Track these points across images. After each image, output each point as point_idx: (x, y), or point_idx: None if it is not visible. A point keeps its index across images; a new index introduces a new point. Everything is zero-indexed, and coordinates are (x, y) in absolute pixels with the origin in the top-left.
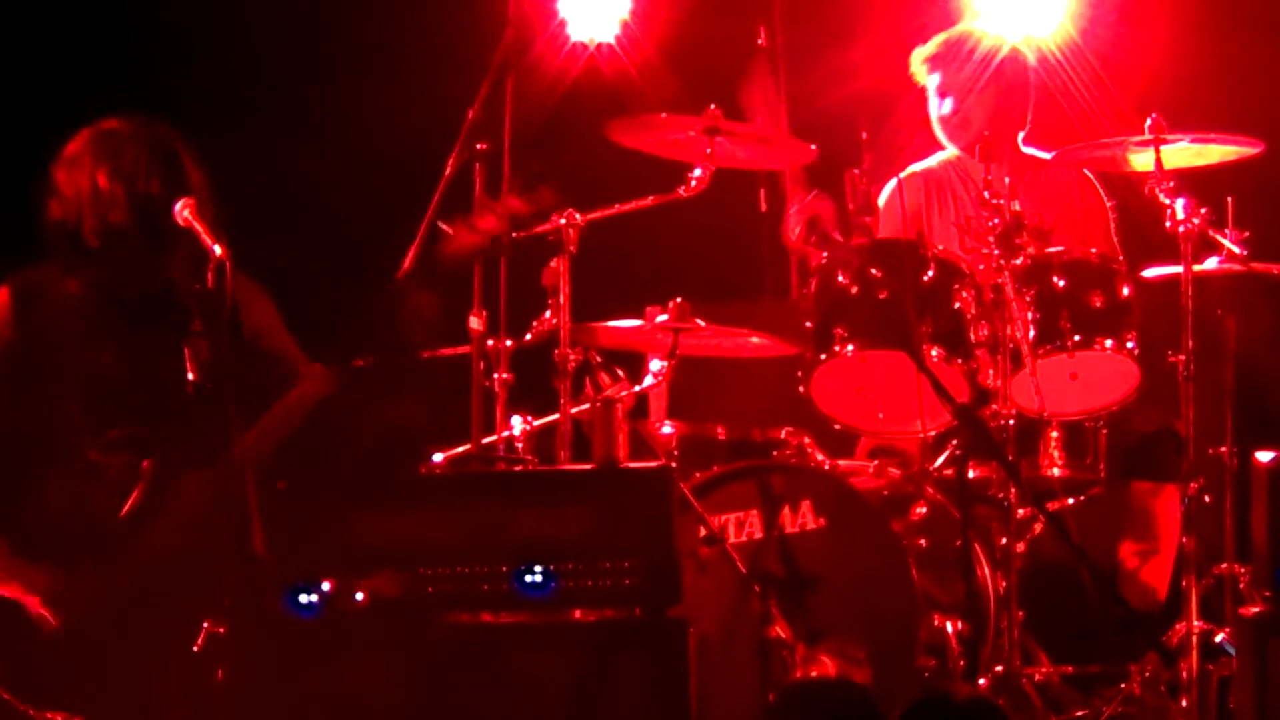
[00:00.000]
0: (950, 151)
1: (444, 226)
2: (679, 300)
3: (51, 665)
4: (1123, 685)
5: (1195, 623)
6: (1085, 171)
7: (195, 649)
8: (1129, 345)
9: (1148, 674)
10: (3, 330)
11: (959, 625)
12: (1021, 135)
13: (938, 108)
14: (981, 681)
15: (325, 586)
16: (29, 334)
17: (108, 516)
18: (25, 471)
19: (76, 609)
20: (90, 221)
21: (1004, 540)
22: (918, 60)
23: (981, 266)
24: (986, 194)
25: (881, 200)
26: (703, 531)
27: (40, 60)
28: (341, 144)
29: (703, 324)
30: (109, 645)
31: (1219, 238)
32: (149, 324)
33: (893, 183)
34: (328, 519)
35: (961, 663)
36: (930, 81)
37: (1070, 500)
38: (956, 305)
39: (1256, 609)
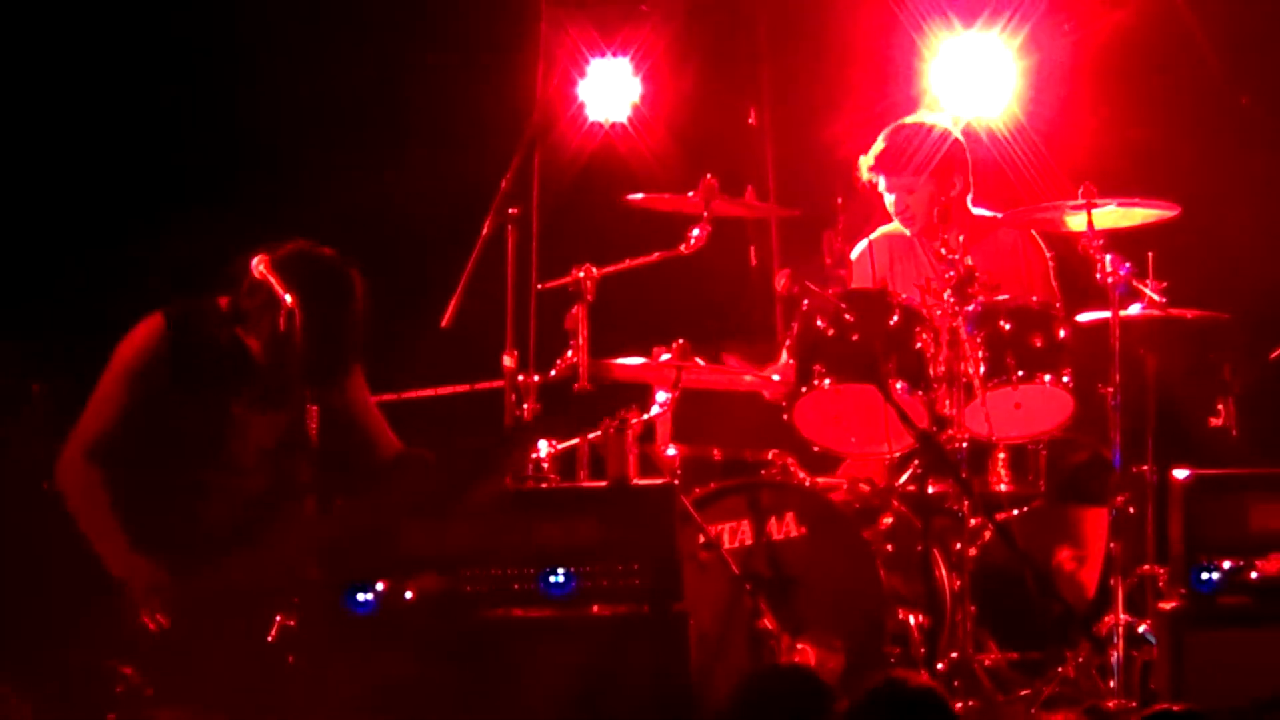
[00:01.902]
0: None
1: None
2: (681, 341)
3: (147, 645)
4: (1060, 669)
5: (1121, 616)
6: (1035, 236)
7: (270, 639)
8: (1065, 379)
9: (1081, 659)
10: (154, 369)
11: (920, 618)
12: (970, 198)
13: (887, 203)
14: (940, 666)
15: (379, 586)
16: (177, 372)
17: (210, 528)
18: (148, 482)
19: (175, 601)
20: (262, 346)
21: (958, 546)
22: (864, 167)
23: (939, 312)
24: (943, 250)
25: (854, 256)
26: (701, 539)
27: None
28: (389, 208)
29: (701, 362)
30: (199, 634)
31: (1141, 287)
32: (270, 382)
33: (864, 243)
34: (382, 529)
35: (922, 650)
36: (878, 182)
37: (1015, 511)
38: (918, 345)
39: (1173, 604)
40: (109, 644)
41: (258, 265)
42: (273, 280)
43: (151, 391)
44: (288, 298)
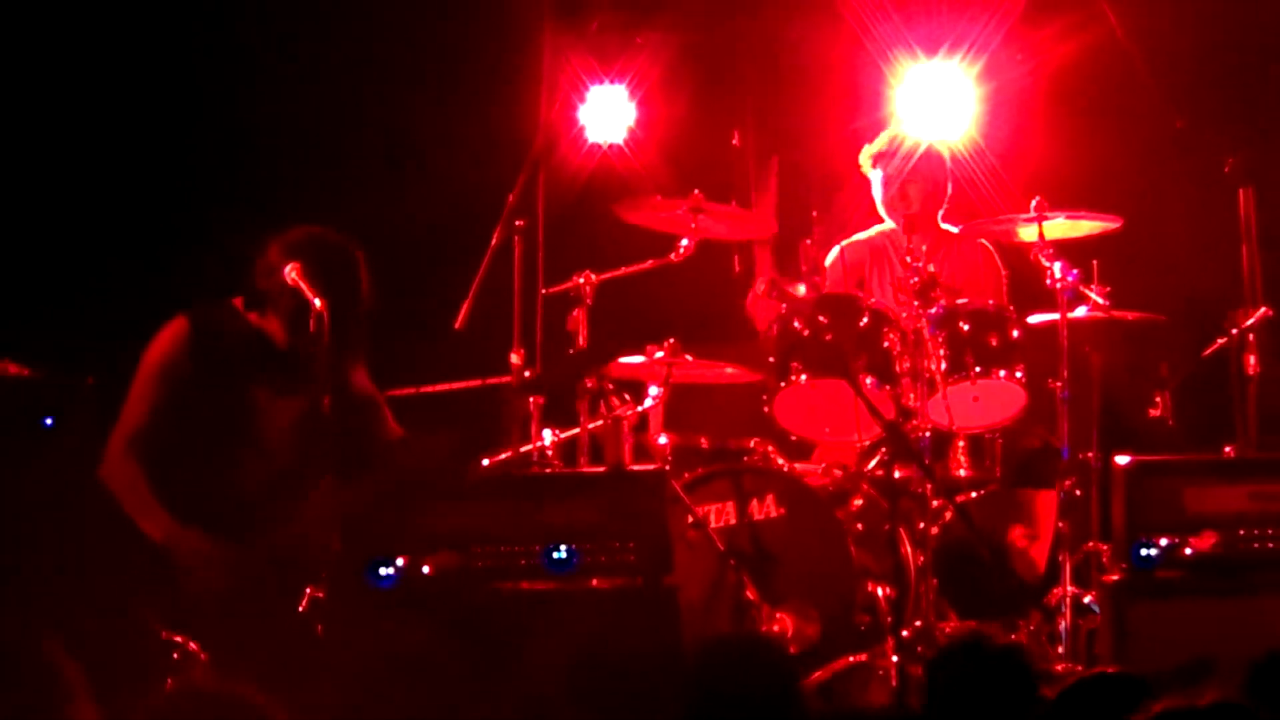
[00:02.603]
0: (884, 226)
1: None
2: (672, 340)
3: (195, 610)
4: (1013, 636)
5: (1069, 588)
6: (985, 244)
7: (300, 609)
8: (1018, 375)
9: (1032, 627)
10: (181, 366)
11: (887, 590)
12: (941, 213)
13: (882, 191)
14: (905, 633)
15: (400, 562)
16: (201, 367)
17: (242, 506)
18: (184, 468)
19: (221, 567)
20: (284, 322)
21: (922, 525)
22: (865, 156)
23: (905, 314)
24: (909, 258)
25: (828, 263)
26: (690, 519)
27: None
28: (406, 220)
29: (690, 359)
30: (241, 600)
31: (1087, 292)
32: (291, 368)
33: (836, 249)
34: (403, 510)
35: (889, 619)
36: (875, 174)
37: (973, 494)
38: (886, 344)
39: (1115, 577)
40: (163, 615)
41: (289, 273)
42: (303, 286)
43: (180, 386)
44: (317, 302)
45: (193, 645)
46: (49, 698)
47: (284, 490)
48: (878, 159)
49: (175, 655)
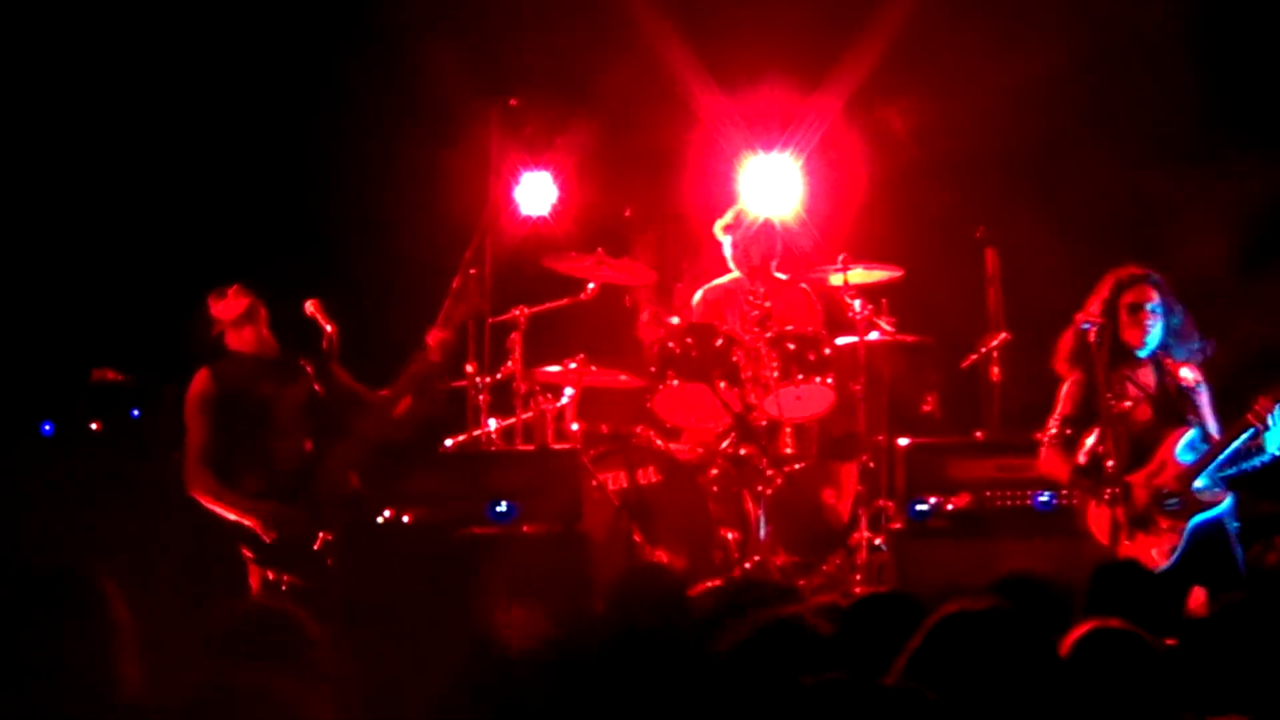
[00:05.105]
0: (734, 275)
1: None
2: (582, 355)
3: (283, 555)
4: (825, 568)
5: (865, 533)
6: (806, 288)
7: (315, 548)
8: (829, 381)
9: (839, 561)
10: (212, 397)
11: (735, 534)
12: (774, 264)
13: (731, 251)
14: (747, 565)
15: (387, 513)
16: (225, 392)
17: (285, 479)
18: (237, 461)
19: (285, 526)
20: (257, 341)
21: (760, 488)
22: (718, 226)
23: (748, 337)
24: (751, 298)
25: (694, 301)
26: (594, 483)
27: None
28: (392, 266)
29: (594, 369)
30: (300, 542)
31: (879, 321)
32: (283, 365)
33: (700, 292)
34: (390, 476)
35: (736, 555)
36: (725, 239)
37: (797, 466)
38: (735, 359)
39: (898, 526)
40: (255, 556)
41: (309, 306)
42: (320, 316)
43: (216, 411)
44: (328, 327)
45: (286, 577)
46: (103, 630)
47: (306, 457)
48: (727, 229)
49: (271, 581)
